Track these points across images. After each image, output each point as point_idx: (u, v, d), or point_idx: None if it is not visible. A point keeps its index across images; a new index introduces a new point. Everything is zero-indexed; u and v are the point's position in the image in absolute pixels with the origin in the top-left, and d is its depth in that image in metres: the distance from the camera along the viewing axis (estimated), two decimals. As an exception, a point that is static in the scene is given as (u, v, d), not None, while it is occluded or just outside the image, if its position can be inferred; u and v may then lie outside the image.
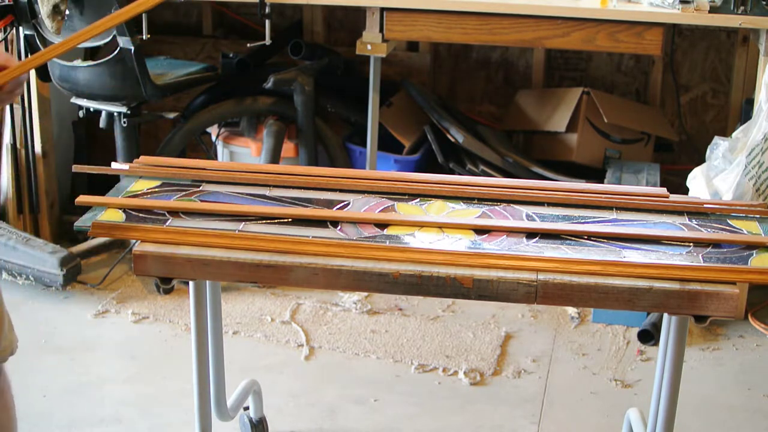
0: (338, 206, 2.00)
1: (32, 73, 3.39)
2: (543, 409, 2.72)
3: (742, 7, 3.06)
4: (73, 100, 3.41)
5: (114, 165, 2.15)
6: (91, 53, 3.49)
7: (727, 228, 1.96)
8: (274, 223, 1.92)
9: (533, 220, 1.96)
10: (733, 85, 3.85)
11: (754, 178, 2.92)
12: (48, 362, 2.91)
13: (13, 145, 3.53)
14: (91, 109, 3.37)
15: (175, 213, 1.94)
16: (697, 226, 1.97)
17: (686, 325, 1.91)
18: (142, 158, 2.22)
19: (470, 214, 1.98)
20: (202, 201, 1.99)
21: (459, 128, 3.57)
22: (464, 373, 2.87)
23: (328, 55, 3.74)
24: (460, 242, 1.86)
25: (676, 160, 3.99)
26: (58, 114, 3.72)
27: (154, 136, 4.11)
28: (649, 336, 3.02)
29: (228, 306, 3.22)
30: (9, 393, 1.90)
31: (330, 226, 1.92)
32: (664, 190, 2.11)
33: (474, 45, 4.03)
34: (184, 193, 2.04)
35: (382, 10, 3.27)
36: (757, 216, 2.04)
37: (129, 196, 2.02)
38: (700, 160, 3.22)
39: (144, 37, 3.20)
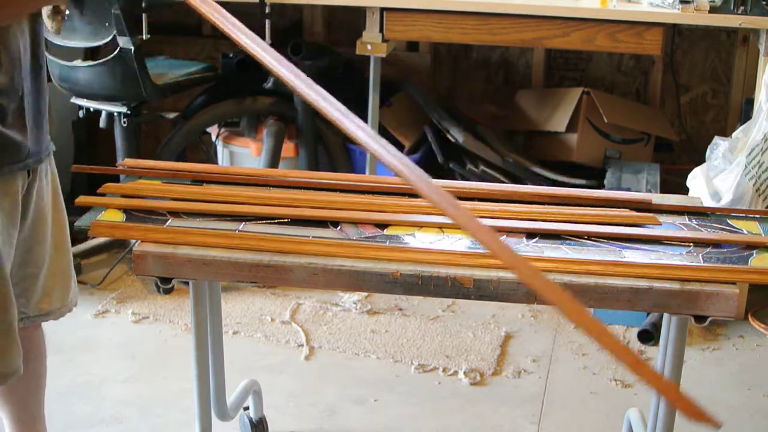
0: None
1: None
2: (543, 409, 2.71)
3: (742, 7, 3.06)
4: (73, 100, 3.41)
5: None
6: (91, 53, 3.49)
7: (727, 228, 1.96)
8: (274, 223, 1.92)
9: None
10: (733, 85, 3.85)
11: (754, 178, 2.92)
12: (48, 362, 2.90)
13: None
14: (91, 109, 3.37)
15: (175, 213, 1.94)
16: (697, 226, 1.97)
17: (686, 325, 1.91)
18: (127, 161, 2.23)
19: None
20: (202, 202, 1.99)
21: (459, 128, 3.57)
22: (464, 373, 2.87)
23: (328, 55, 3.73)
24: (460, 242, 1.86)
25: (676, 160, 3.99)
26: (58, 114, 3.72)
27: (154, 136, 4.11)
28: (649, 336, 3.02)
29: (228, 306, 3.21)
30: (44, 345, 2.14)
31: (330, 226, 1.92)
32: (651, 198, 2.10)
33: (474, 45, 4.03)
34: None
35: (382, 10, 3.27)
36: (757, 216, 2.04)
37: (129, 196, 2.02)
38: (700, 160, 3.22)
39: (144, 37, 3.20)
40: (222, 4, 4.07)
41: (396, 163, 1.45)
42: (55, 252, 2.00)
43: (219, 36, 4.19)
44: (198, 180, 2.12)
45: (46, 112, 1.92)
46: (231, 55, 3.67)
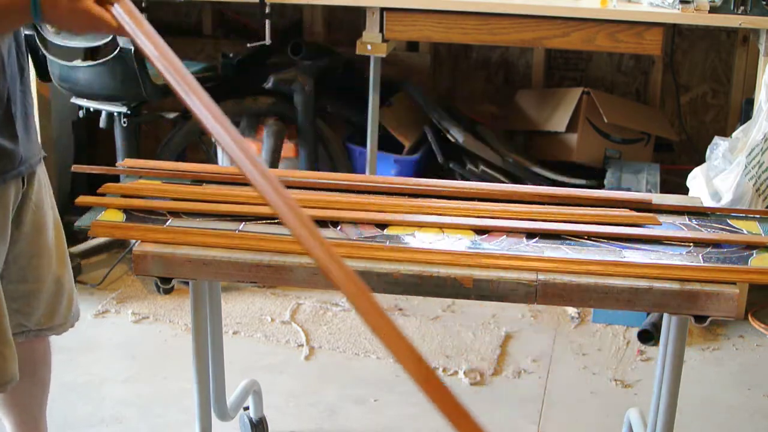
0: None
1: (32, 73, 3.39)
2: (543, 409, 2.72)
3: (742, 7, 3.06)
4: (73, 100, 3.41)
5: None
6: (91, 53, 3.49)
7: (727, 228, 1.96)
8: (274, 223, 1.92)
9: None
10: (733, 85, 3.85)
11: (754, 178, 2.92)
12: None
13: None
14: (91, 109, 3.37)
15: (175, 213, 1.94)
16: (697, 226, 1.97)
17: (686, 325, 1.91)
18: (127, 161, 2.23)
19: (470, 214, 1.98)
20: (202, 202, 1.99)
21: (459, 128, 3.57)
22: (464, 373, 2.87)
23: (328, 55, 3.73)
24: (460, 242, 1.86)
25: (676, 160, 3.99)
26: (58, 114, 3.73)
27: (154, 136, 4.11)
28: (649, 336, 3.02)
29: (228, 306, 3.21)
30: (50, 354, 2.11)
31: (330, 226, 1.92)
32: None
33: (474, 45, 4.03)
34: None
35: (382, 10, 3.27)
36: (757, 216, 2.04)
37: (129, 196, 2.02)
38: (700, 160, 3.22)
39: (144, 37, 3.19)
40: (222, 4, 4.06)
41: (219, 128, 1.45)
42: (59, 266, 1.96)
43: (219, 36, 4.22)
44: (198, 180, 2.12)
45: (33, 115, 1.87)
46: (231, 55, 3.68)
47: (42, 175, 1.91)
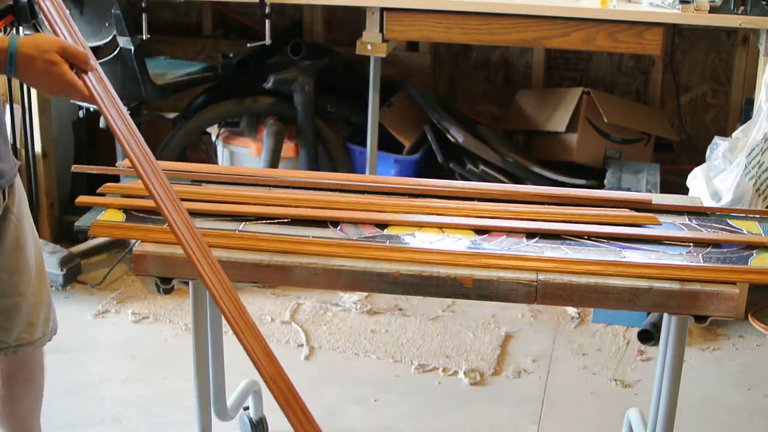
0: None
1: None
2: (543, 409, 2.72)
3: (742, 7, 3.06)
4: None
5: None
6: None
7: (727, 228, 1.97)
8: (274, 223, 1.92)
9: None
10: (733, 85, 3.85)
11: (754, 178, 2.92)
12: (48, 362, 2.89)
13: (13, 145, 3.53)
14: (91, 109, 3.37)
15: (175, 213, 1.94)
16: (697, 226, 1.97)
17: (686, 325, 1.91)
18: (127, 161, 2.22)
19: (470, 214, 1.98)
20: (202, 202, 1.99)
21: (459, 128, 3.57)
22: (464, 373, 2.87)
23: (328, 55, 3.73)
24: (460, 242, 1.86)
25: (676, 160, 3.99)
26: (58, 114, 3.72)
27: (154, 136, 4.10)
28: (649, 336, 3.02)
29: (228, 306, 3.21)
30: (43, 363, 2.09)
31: (330, 226, 1.92)
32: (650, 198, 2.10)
33: (474, 45, 4.03)
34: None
35: (382, 10, 3.27)
36: (757, 216, 2.04)
37: (129, 196, 2.02)
38: (700, 160, 3.22)
39: (144, 37, 3.20)
40: (222, 4, 4.05)
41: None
42: (39, 280, 1.93)
43: (219, 36, 4.22)
44: (198, 180, 2.12)
45: (5, 127, 1.85)
46: (231, 55, 3.68)
47: (19, 186, 1.88)
